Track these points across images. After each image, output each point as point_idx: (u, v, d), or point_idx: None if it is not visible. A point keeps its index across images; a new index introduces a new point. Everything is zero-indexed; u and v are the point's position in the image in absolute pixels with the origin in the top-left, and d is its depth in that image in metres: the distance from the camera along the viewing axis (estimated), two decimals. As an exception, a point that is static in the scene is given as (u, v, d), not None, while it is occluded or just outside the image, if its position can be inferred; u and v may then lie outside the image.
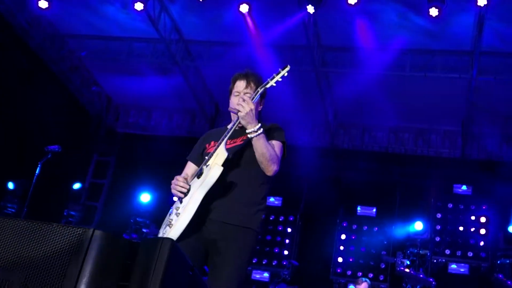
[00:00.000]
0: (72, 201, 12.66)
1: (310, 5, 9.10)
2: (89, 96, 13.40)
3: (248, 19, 9.66)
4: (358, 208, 12.36)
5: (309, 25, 9.82)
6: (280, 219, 12.53)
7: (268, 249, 12.33)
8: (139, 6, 9.30)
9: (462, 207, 11.92)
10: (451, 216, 11.87)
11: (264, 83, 3.76)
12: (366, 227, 12.13)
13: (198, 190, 3.58)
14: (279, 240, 12.37)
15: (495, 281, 10.54)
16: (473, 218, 11.68)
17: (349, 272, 11.76)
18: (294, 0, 9.54)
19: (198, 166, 3.84)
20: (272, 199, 12.72)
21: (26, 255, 2.14)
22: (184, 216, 3.53)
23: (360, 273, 11.78)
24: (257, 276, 11.95)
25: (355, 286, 8.95)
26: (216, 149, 3.69)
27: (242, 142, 3.84)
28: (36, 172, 5.01)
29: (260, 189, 3.87)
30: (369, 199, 12.43)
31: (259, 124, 3.70)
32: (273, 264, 12.13)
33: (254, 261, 12.26)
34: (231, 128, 3.75)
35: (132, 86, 13.19)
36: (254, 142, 3.69)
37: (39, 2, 9.53)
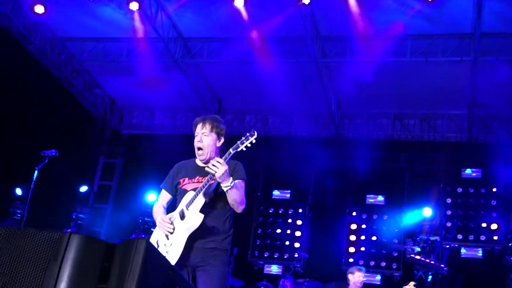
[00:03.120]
0: (80, 204, 12.69)
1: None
2: (92, 99, 13.41)
3: (244, 12, 9.59)
4: (367, 197, 12.27)
5: (306, 16, 9.74)
6: (290, 212, 12.50)
7: (278, 242, 12.31)
8: (134, 6, 9.27)
9: (472, 190, 11.84)
10: (461, 201, 11.80)
11: (235, 147, 4.42)
12: (376, 216, 12.06)
13: (183, 233, 4.42)
14: (289, 233, 12.34)
15: (506, 263, 10.46)
16: (483, 201, 11.58)
17: (361, 262, 11.66)
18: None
19: (172, 195, 4.81)
20: (277, 192, 12.67)
21: (3, 262, 2.11)
22: (173, 254, 4.38)
23: (373, 262, 11.74)
24: (270, 270, 11.91)
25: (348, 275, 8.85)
26: (196, 196, 4.46)
27: (213, 182, 4.48)
28: (34, 177, 5.02)
29: (228, 220, 4.65)
30: (377, 188, 12.38)
31: (231, 179, 4.40)
32: (285, 257, 12.09)
33: (266, 255, 12.26)
34: (207, 182, 4.44)
35: (134, 86, 13.18)
36: (228, 193, 4.42)
37: (35, 7, 9.51)
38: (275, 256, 12.18)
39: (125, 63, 11.75)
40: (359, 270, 8.88)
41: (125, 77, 12.79)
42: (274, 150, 13.23)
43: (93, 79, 13.23)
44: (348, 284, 8.84)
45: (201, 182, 4.52)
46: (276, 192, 12.69)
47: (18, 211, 10.14)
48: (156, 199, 10.53)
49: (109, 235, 13.03)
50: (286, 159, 13.11)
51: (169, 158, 13.25)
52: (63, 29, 11.63)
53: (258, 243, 12.42)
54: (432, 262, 9.70)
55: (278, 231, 12.39)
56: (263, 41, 10.61)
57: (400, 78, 11.22)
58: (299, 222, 12.35)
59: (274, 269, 11.90)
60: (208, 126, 4.65)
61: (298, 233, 12.25)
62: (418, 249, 9.97)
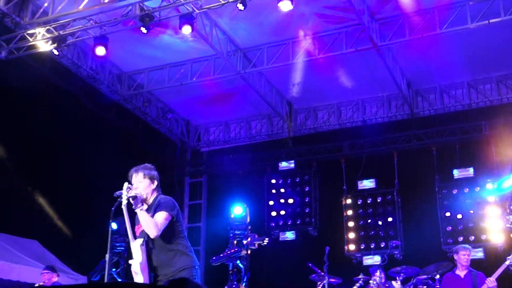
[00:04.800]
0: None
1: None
2: (168, 124, 13.85)
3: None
4: (455, 172, 11.92)
5: (355, 2, 9.63)
6: (378, 200, 12.34)
7: (373, 232, 12.19)
8: (186, 29, 9.48)
9: None
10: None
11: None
12: (467, 189, 11.69)
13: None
14: (382, 222, 12.19)
15: None
16: None
17: (460, 239, 11.36)
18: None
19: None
20: (365, 181, 12.54)
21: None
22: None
23: (473, 237, 11.39)
24: (368, 261, 11.79)
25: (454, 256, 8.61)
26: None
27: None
28: (111, 218, 5.29)
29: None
30: (464, 160, 12.00)
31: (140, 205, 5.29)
32: (381, 246, 11.95)
33: (362, 247, 12.18)
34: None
35: (204, 104, 13.53)
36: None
37: (96, 50, 9.95)
38: (372, 247, 12.06)
39: (192, 84, 12.05)
40: (464, 248, 8.63)
41: (195, 97, 13.15)
42: (352, 141, 13.15)
43: (165, 105, 13.66)
44: (454, 265, 8.64)
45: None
46: (361, 183, 12.56)
47: (118, 245, 10.61)
48: (242, 211, 10.85)
49: (207, 252, 13.38)
50: (365, 147, 13.00)
51: (249, 168, 13.66)
52: (128, 63, 12.12)
53: (352, 237, 12.35)
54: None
55: (370, 221, 12.26)
56: (315, 36, 10.65)
57: (466, 45, 10.87)
58: (389, 209, 12.17)
59: (373, 259, 11.74)
60: (140, 173, 5.41)
61: (390, 219, 12.07)
62: (513, 218, 9.60)
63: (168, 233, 5.25)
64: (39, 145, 10.97)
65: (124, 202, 5.12)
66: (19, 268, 10.26)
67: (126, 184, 5.20)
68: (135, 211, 5.18)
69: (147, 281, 5.11)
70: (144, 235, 5.26)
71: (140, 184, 5.34)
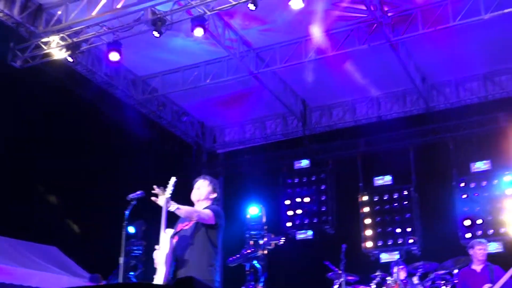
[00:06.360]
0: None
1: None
2: (183, 127, 13.91)
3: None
4: (473, 165, 11.85)
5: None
6: (395, 197, 12.32)
7: (390, 229, 12.17)
8: (198, 32, 9.52)
9: None
10: None
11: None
12: (485, 182, 11.61)
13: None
14: (399, 218, 12.15)
15: None
16: None
17: (479, 232, 11.28)
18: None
19: None
20: (381, 178, 12.52)
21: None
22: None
23: (492, 231, 11.31)
24: (386, 257, 11.77)
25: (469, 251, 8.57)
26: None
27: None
28: (125, 221, 5.38)
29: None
30: (481, 153, 11.92)
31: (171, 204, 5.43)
32: (399, 242, 11.92)
33: (379, 244, 12.15)
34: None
35: (219, 106, 13.56)
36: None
37: (110, 55, 10.03)
38: (389, 243, 12.04)
39: (206, 86, 12.10)
40: (479, 243, 8.59)
41: (209, 99, 13.19)
42: (367, 137, 13.13)
43: (180, 108, 13.72)
44: (470, 260, 8.60)
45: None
46: (377, 179, 12.53)
47: (135, 248, 10.66)
48: (258, 211, 10.87)
49: (225, 253, 13.34)
50: (381, 144, 12.97)
51: (265, 167, 13.68)
52: (142, 68, 12.18)
53: (369, 234, 12.32)
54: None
55: (387, 218, 12.23)
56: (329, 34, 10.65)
57: (480, 36, 10.77)
58: (406, 205, 12.12)
59: (391, 256, 11.71)
60: (206, 180, 5.87)
61: (408, 215, 12.03)
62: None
63: (207, 236, 5.44)
64: (56, 152, 11.08)
65: (168, 195, 5.31)
66: (39, 274, 10.37)
67: (173, 179, 5.42)
68: (173, 210, 5.34)
69: (167, 274, 5.21)
70: (182, 232, 5.46)
71: (203, 188, 5.74)
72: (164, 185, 5.55)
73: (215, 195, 5.79)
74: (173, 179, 5.41)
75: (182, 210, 5.35)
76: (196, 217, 5.38)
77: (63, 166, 11.13)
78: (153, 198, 5.38)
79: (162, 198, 5.33)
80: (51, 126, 10.98)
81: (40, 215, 10.94)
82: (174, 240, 5.37)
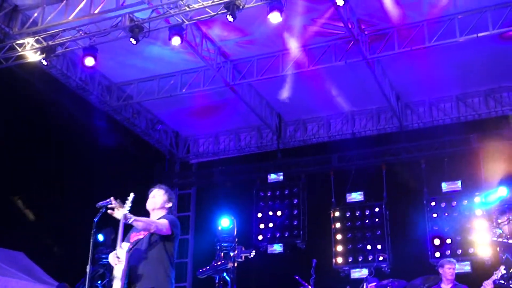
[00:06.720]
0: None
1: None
2: (157, 135, 13.83)
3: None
4: (443, 185, 11.94)
5: (345, 15, 9.68)
6: (366, 213, 12.33)
7: (360, 245, 12.16)
8: (176, 41, 9.48)
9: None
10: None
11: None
12: (455, 203, 11.71)
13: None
14: (370, 235, 12.17)
15: None
16: None
17: (448, 252, 11.36)
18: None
19: None
20: (353, 194, 12.55)
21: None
22: None
23: (460, 251, 11.39)
24: (356, 274, 11.78)
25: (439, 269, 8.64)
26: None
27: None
28: (93, 229, 5.29)
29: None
30: (452, 173, 12.02)
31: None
32: (369, 259, 11.92)
33: (350, 260, 12.15)
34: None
35: (194, 116, 13.52)
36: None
37: (85, 60, 9.92)
38: (360, 260, 12.02)
39: (181, 95, 12.04)
40: (449, 262, 8.68)
41: (184, 108, 13.14)
42: (341, 153, 13.16)
43: (154, 116, 13.63)
44: (440, 279, 8.66)
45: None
46: (349, 196, 12.56)
47: (104, 256, 10.49)
48: (230, 223, 10.81)
49: (195, 265, 13.29)
50: (354, 160, 13.01)
51: (238, 179, 13.63)
52: (117, 75, 12.08)
53: (340, 250, 12.32)
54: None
55: (358, 234, 12.25)
56: (304, 49, 10.71)
57: (455, 58, 10.92)
58: (377, 222, 12.16)
59: (361, 272, 11.73)
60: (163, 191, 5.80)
61: (378, 232, 12.07)
62: (500, 231, 9.59)
63: (163, 247, 5.40)
64: (25, 156, 10.90)
65: (126, 211, 5.25)
66: (4, 280, 10.14)
67: (132, 195, 5.38)
68: (130, 223, 5.28)
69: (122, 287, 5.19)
70: (137, 244, 5.38)
71: (158, 197, 5.69)
72: (135, 192, 5.48)
73: (170, 204, 5.78)
74: (131, 195, 5.37)
75: (139, 222, 5.29)
76: (154, 229, 5.33)
77: (32, 170, 10.95)
78: (109, 212, 5.31)
79: (120, 212, 5.28)
80: (21, 129, 10.80)
81: (7, 219, 10.72)
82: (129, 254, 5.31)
